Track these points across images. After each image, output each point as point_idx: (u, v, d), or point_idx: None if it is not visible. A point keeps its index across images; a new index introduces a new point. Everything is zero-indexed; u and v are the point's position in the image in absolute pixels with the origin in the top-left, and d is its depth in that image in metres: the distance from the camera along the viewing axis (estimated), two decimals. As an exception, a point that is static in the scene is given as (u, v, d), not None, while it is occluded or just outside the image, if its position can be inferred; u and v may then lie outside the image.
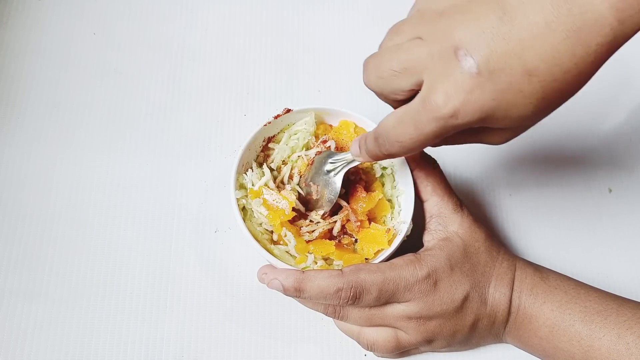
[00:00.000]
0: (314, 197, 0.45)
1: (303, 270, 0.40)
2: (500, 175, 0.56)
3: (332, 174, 0.44)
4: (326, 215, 0.45)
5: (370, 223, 0.45)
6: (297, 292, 0.40)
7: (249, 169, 0.46)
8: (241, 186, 0.45)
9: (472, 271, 0.42)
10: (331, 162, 0.44)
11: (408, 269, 0.41)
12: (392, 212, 0.47)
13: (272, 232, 0.44)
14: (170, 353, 0.46)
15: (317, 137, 0.48)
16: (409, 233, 0.44)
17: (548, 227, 0.54)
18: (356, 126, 0.48)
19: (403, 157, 0.47)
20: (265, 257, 0.42)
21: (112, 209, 0.50)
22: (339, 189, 0.44)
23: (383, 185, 0.48)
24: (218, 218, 0.51)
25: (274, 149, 0.48)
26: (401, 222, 0.45)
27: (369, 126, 0.48)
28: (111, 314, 0.47)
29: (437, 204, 0.45)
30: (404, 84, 0.33)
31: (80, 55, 0.56)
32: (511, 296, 0.43)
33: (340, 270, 0.40)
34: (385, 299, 0.40)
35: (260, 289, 0.49)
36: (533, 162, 0.57)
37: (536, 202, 0.55)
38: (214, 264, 0.49)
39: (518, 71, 0.29)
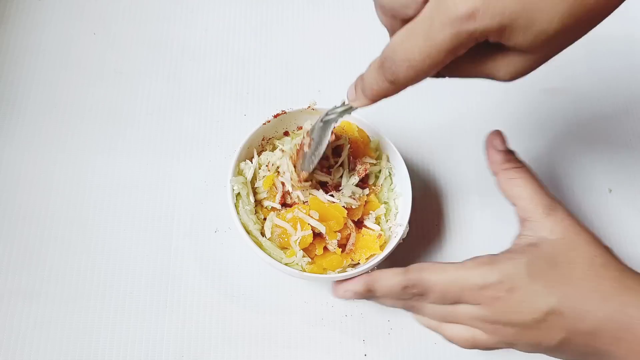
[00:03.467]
0: (305, 149, 0.43)
1: (369, 274, 0.40)
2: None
3: (324, 123, 0.42)
4: (309, 173, 0.43)
5: (361, 227, 0.45)
6: (369, 294, 0.40)
7: (248, 160, 0.46)
8: (239, 172, 0.45)
9: (562, 283, 0.36)
10: (328, 114, 0.41)
11: (477, 271, 0.37)
12: (389, 215, 0.47)
13: (264, 220, 0.45)
14: (170, 353, 0.46)
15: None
16: (404, 236, 0.44)
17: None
18: (359, 128, 0.48)
19: (400, 159, 0.47)
20: (252, 248, 0.42)
21: (112, 209, 0.50)
22: (329, 137, 0.42)
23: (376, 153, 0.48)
24: (218, 218, 0.51)
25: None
26: (397, 225, 0.45)
27: (369, 128, 0.48)
28: (111, 314, 0.47)
29: (525, 208, 0.40)
30: None
31: (80, 55, 0.56)
32: (622, 322, 0.35)
33: (406, 268, 0.39)
34: (452, 300, 0.38)
35: (260, 289, 0.49)
36: (532, 162, 0.57)
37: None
38: (214, 264, 0.49)
39: None
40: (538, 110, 0.59)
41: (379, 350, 0.48)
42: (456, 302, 0.38)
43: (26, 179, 0.51)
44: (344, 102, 0.39)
